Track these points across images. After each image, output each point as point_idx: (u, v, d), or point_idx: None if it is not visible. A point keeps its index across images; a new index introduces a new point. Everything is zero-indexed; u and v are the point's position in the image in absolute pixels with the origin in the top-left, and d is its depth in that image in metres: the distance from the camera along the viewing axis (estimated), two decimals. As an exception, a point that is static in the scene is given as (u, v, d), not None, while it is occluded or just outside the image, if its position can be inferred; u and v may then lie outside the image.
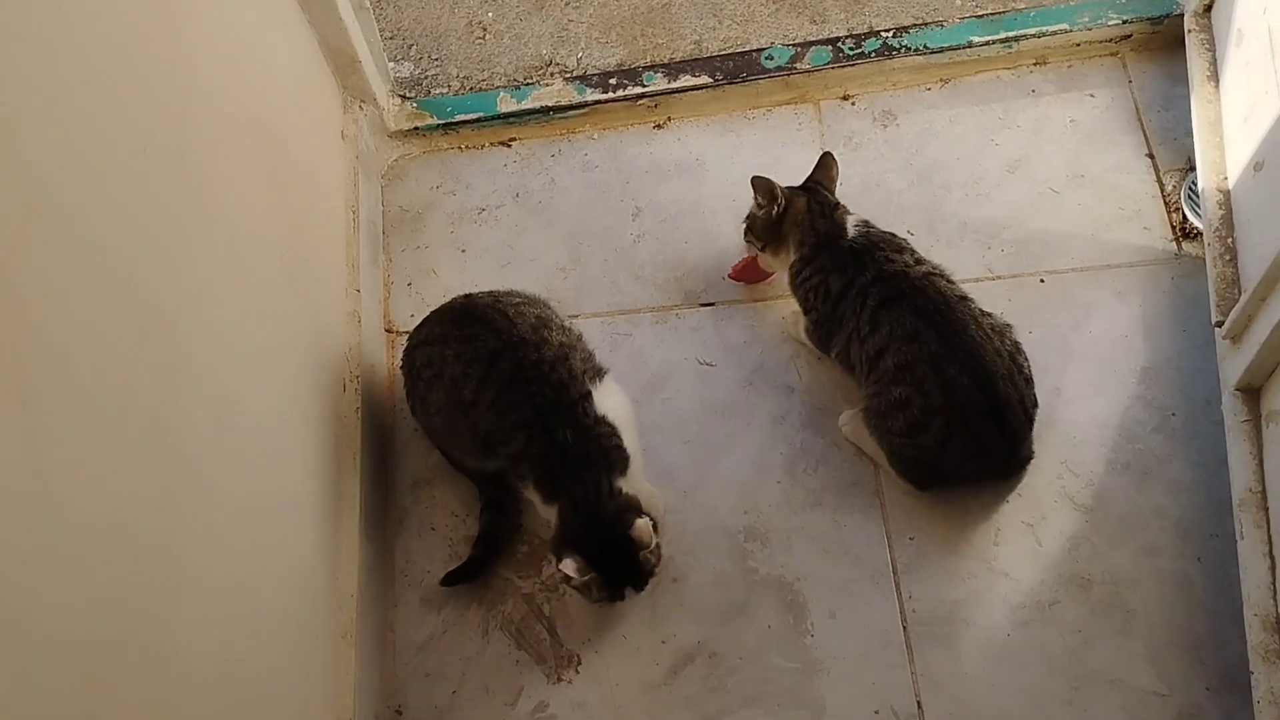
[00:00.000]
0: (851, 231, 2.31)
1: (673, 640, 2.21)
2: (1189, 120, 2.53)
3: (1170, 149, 2.63)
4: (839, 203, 2.37)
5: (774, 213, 2.33)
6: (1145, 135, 2.67)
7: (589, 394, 2.11)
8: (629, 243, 2.68)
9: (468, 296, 2.25)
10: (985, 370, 2.12)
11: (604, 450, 2.10)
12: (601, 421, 2.11)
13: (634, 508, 2.06)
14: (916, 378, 2.13)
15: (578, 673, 2.19)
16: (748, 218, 2.43)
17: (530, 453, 2.07)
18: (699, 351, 2.52)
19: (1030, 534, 2.26)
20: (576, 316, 2.57)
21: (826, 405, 2.44)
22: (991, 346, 2.14)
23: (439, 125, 2.79)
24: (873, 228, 2.33)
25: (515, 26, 3.01)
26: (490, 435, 2.10)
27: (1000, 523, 2.28)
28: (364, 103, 2.65)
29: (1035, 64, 2.81)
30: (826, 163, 2.40)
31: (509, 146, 2.83)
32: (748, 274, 2.54)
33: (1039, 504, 2.29)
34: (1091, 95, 2.75)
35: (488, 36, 2.98)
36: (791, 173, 2.43)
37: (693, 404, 2.46)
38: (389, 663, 2.21)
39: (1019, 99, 2.77)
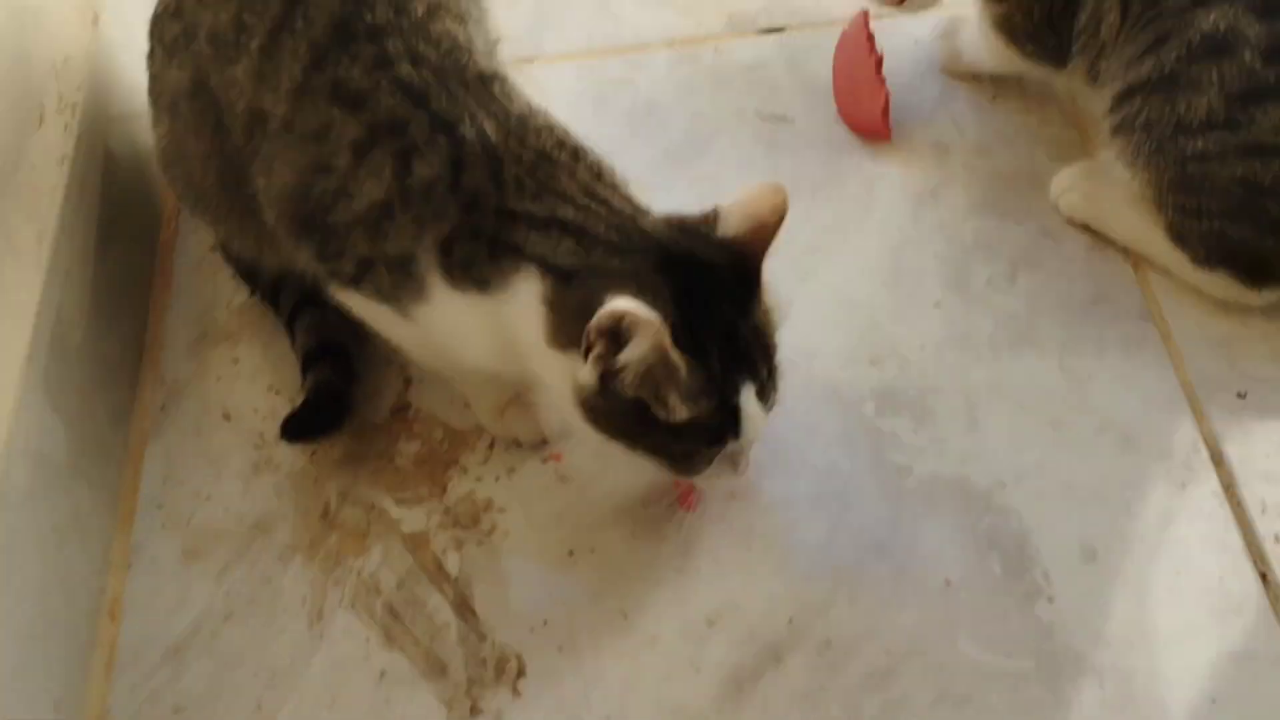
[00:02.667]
0: None
1: (734, 614, 1.06)
2: None
3: None
4: None
5: None
6: None
7: (500, 75, 1.04)
8: (626, -53, 1.61)
9: None
10: None
11: (572, 148, 1.01)
12: (541, 115, 1.03)
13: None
14: None
15: (516, 694, 1.04)
16: None
17: (412, 189, 0.98)
18: (762, 100, 1.44)
19: None
20: (533, 61, 1.49)
21: (1020, 169, 1.34)
22: None
23: None
24: None
25: None
26: (303, 160, 1.03)
27: None
28: None
29: None
30: None
31: None
32: (870, 118, 1.38)
33: None
34: None
35: None
36: None
37: (758, 172, 1.36)
38: (98, 677, 1.07)
39: None
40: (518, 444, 1.18)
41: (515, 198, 0.97)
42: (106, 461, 1.18)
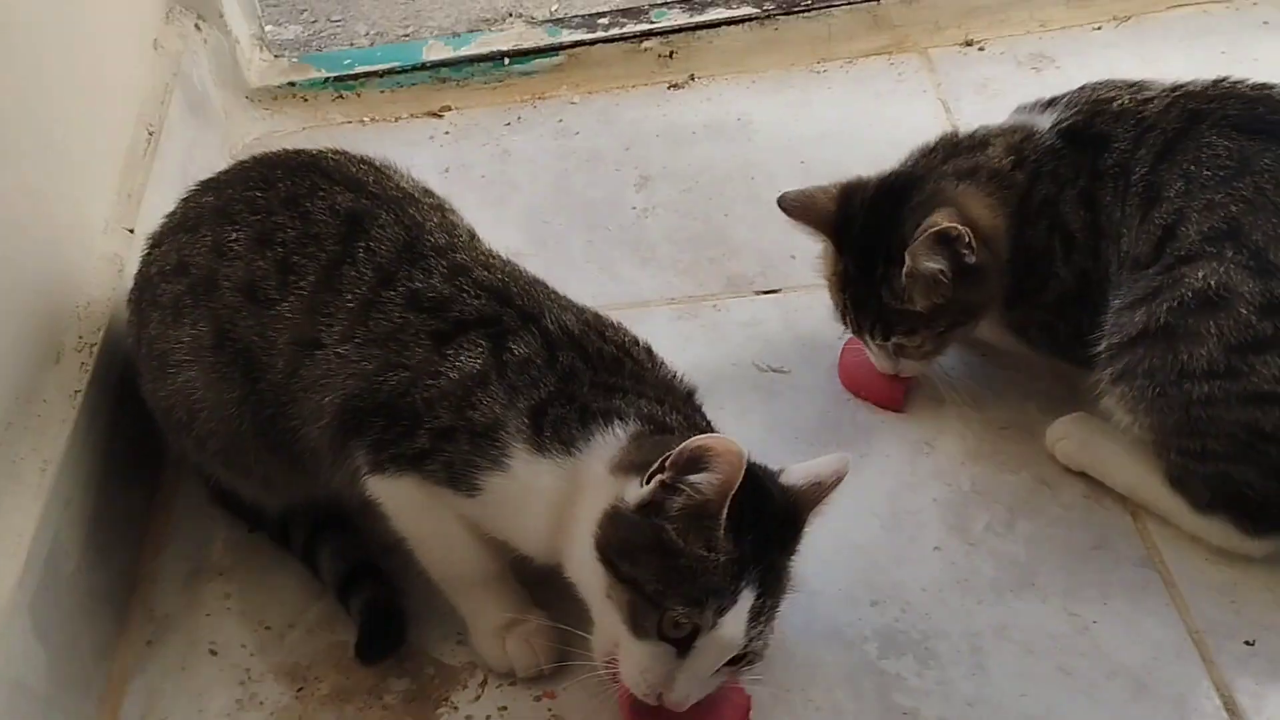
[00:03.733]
0: (1047, 123, 1.33)
1: None
2: None
3: None
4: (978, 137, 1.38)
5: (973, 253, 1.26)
6: None
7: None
8: (630, 218, 1.75)
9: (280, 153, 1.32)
10: None
11: (645, 347, 1.19)
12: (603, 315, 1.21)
13: None
14: (1254, 244, 1.13)
15: None
16: (894, 329, 1.34)
17: (509, 363, 1.09)
18: (759, 353, 1.51)
19: None
20: (536, 316, 1.57)
21: (1014, 421, 1.38)
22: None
23: (329, 81, 1.95)
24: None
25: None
26: (370, 366, 1.12)
27: None
28: (203, 20, 1.81)
29: (1261, -8, 1.99)
30: (798, 202, 1.37)
31: (440, 117, 1.97)
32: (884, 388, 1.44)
33: None
34: (1366, 24, 1.91)
35: (420, -4, 2.21)
36: (902, 135, 1.46)
37: (756, 429, 1.42)
38: None
39: (1247, 32, 1.92)
40: (512, 678, 1.16)
41: (612, 376, 1.08)
42: (86, 695, 1.16)
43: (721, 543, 0.98)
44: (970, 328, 1.35)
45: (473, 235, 1.23)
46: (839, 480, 1.05)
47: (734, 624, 0.99)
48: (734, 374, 1.49)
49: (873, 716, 1.12)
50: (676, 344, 1.53)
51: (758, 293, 1.60)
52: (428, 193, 1.27)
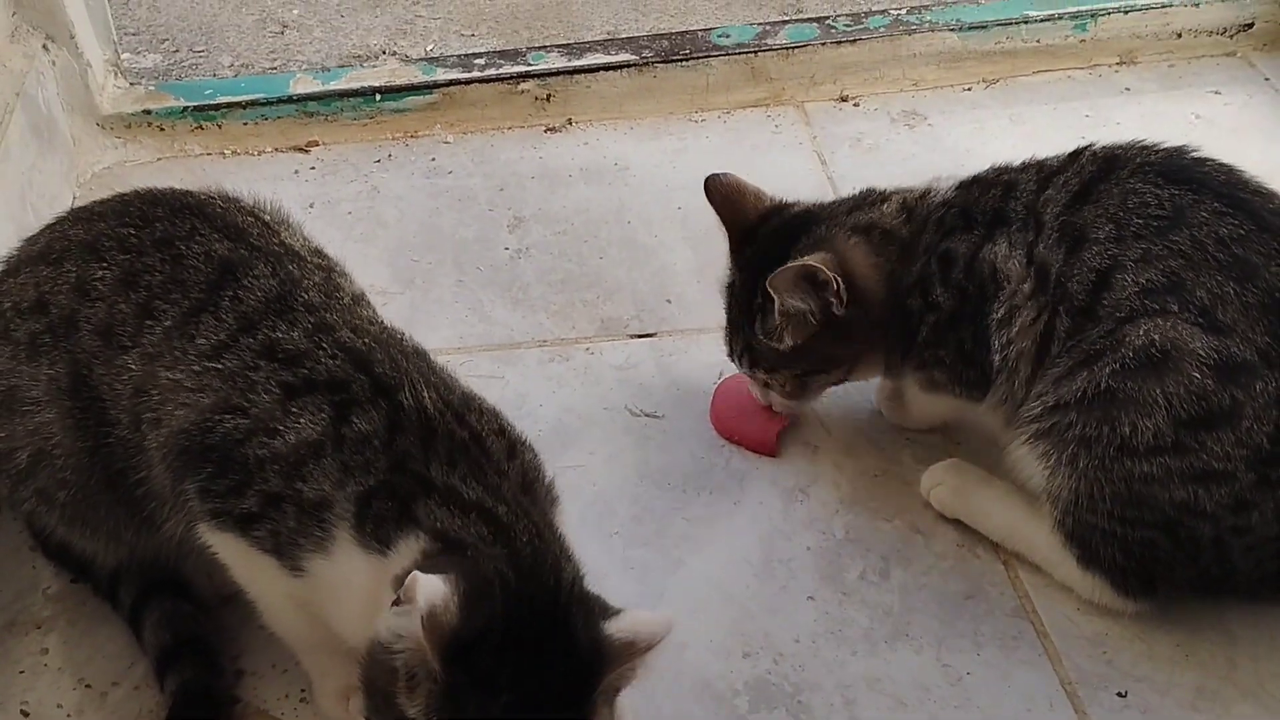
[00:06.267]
0: (939, 199, 1.30)
1: None
2: None
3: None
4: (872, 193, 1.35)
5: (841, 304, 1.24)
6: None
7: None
8: (502, 259, 1.69)
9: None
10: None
11: (510, 441, 1.05)
12: (481, 399, 1.11)
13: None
14: (1199, 300, 1.09)
15: None
16: (765, 368, 1.33)
17: (348, 437, 0.98)
18: (632, 397, 1.47)
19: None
20: (400, 356, 1.50)
21: (888, 468, 1.36)
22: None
23: (188, 111, 1.86)
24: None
25: (332, 20, 2.18)
26: (209, 400, 1.02)
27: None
28: (52, 41, 1.72)
29: (1120, 62, 2.05)
30: (726, 191, 1.36)
31: (306, 152, 1.90)
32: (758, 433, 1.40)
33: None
34: (1217, 92, 1.98)
35: (288, 32, 2.14)
36: (780, 186, 1.41)
37: (626, 473, 1.38)
38: None
39: (1109, 97, 1.98)
40: (357, 738, 1.07)
41: (442, 470, 0.97)
42: None
43: (439, 705, 0.84)
44: (831, 379, 1.33)
45: (357, 300, 1.14)
46: (651, 645, 0.89)
47: None
48: (606, 418, 1.44)
49: (741, 773, 1.07)
50: (548, 387, 1.49)
51: (632, 336, 1.56)
52: (318, 253, 1.18)
